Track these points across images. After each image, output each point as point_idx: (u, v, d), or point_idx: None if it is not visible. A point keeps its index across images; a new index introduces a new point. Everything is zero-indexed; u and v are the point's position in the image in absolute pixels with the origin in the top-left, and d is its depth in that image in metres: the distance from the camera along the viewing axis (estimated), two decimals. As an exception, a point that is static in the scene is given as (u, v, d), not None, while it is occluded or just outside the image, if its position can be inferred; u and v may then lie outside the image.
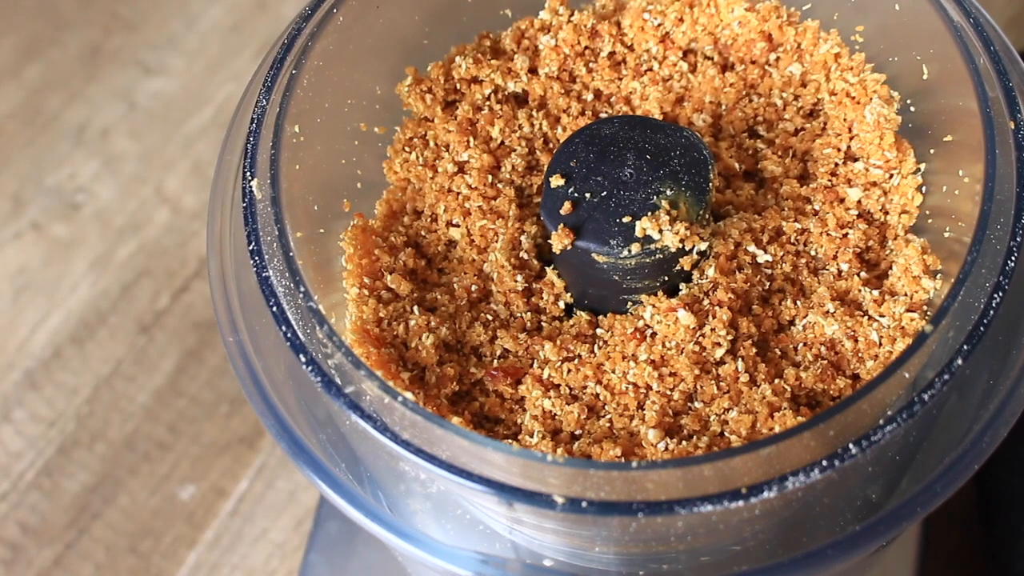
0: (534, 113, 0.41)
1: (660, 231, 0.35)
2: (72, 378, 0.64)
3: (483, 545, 0.40)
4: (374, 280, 0.38)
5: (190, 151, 0.72)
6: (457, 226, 0.40)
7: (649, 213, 0.36)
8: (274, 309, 0.35)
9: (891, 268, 0.37)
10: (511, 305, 0.38)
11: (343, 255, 0.39)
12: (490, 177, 0.40)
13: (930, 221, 0.38)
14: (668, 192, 0.36)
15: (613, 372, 0.36)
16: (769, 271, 0.38)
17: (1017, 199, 0.34)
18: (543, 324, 0.38)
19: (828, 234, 0.38)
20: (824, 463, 0.31)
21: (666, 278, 0.37)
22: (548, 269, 0.38)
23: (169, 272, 0.67)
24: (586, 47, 0.42)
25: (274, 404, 0.36)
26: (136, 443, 0.62)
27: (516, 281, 0.38)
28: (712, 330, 0.36)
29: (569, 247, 0.36)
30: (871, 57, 0.41)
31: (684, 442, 0.34)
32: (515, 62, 0.42)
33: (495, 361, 0.37)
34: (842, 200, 0.39)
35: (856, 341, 0.36)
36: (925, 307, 0.36)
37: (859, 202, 0.39)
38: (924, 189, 0.38)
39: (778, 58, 0.42)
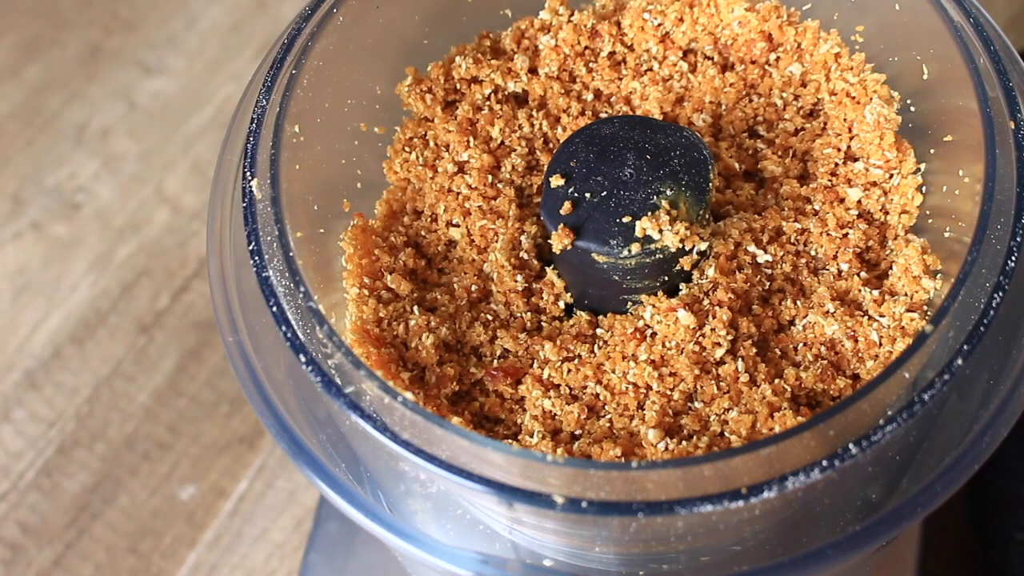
0: (534, 113, 0.41)
1: (660, 231, 0.35)
2: (72, 378, 0.64)
3: (483, 545, 0.40)
4: (374, 280, 0.38)
5: (190, 151, 0.72)
6: (457, 226, 0.40)
7: (649, 213, 0.36)
8: (274, 309, 0.35)
9: (891, 268, 0.37)
10: (511, 305, 0.38)
11: (343, 255, 0.39)
12: (490, 177, 0.40)
13: (930, 221, 0.38)
14: (668, 192, 0.36)
15: (613, 372, 0.36)
16: (769, 271, 0.38)
17: (1017, 199, 0.34)
18: (543, 324, 0.38)
19: (828, 234, 0.38)
20: (824, 463, 0.31)
21: (666, 278, 0.37)
22: (548, 269, 0.38)
23: (169, 272, 0.67)
24: (586, 47, 0.42)
25: (274, 404, 0.36)
26: (136, 443, 0.62)
27: (516, 281, 0.38)
28: (712, 330, 0.36)
29: (569, 247, 0.36)
30: (871, 57, 0.41)
31: (684, 442, 0.34)
32: (515, 62, 0.42)
33: (495, 361, 0.37)
34: (842, 200, 0.39)
35: (856, 341, 0.36)
36: (925, 307, 0.36)
37: (859, 202, 0.39)
38: (924, 189, 0.38)
39: (778, 58, 0.42)
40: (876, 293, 0.37)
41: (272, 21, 0.77)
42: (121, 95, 0.75)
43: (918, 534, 0.51)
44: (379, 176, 0.42)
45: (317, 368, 0.34)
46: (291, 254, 0.35)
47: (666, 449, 0.34)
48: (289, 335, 0.34)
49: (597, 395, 0.36)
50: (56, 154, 0.72)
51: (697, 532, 0.36)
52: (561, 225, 0.36)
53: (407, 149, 0.41)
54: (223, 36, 0.77)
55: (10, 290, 0.67)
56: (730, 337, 0.36)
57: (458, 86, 0.42)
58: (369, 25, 0.41)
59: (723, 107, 0.41)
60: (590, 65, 0.42)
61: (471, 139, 0.40)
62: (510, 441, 0.35)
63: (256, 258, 0.35)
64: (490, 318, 0.38)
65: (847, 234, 0.38)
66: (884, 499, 0.36)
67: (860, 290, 0.37)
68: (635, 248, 0.35)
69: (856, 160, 0.40)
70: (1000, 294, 0.33)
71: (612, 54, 0.42)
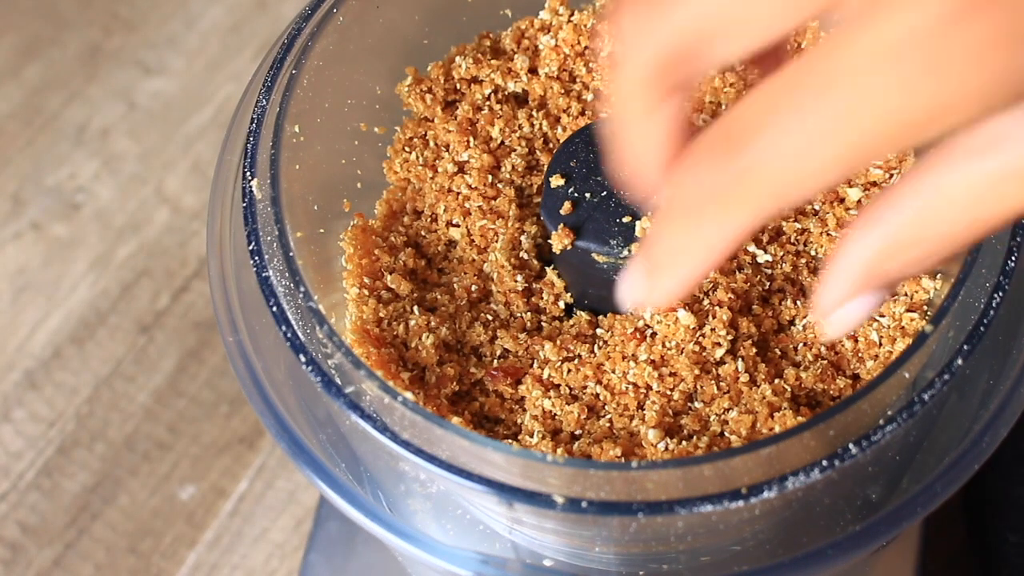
0: (534, 113, 0.41)
1: None
2: (72, 378, 0.64)
3: (483, 545, 0.40)
4: (374, 280, 0.38)
5: (190, 151, 0.72)
6: (457, 226, 0.40)
7: (649, 213, 0.36)
8: (274, 309, 0.35)
9: (891, 268, 0.37)
10: (511, 305, 0.38)
11: (343, 255, 0.39)
12: (490, 177, 0.40)
13: (930, 221, 0.38)
14: (668, 192, 0.36)
15: (613, 372, 0.36)
16: (769, 271, 0.38)
17: (1017, 199, 0.34)
18: (543, 324, 0.38)
19: (828, 234, 0.38)
20: (824, 463, 0.31)
21: (666, 278, 0.37)
22: (548, 269, 0.38)
23: (169, 272, 0.67)
24: (586, 47, 0.42)
25: (274, 404, 0.36)
26: (136, 443, 0.62)
27: (516, 281, 0.38)
28: (712, 330, 0.36)
29: (569, 247, 0.36)
30: (871, 57, 0.41)
31: (684, 442, 0.34)
32: (515, 62, 0.42)
33: (495, 361, 0.37)
34: (842, 200, 0.39)
35: (856, 341, 0.36)
36: (925, 307, 0.36)
37: (859, 202, 0.39)
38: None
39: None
40: (876, 293, 0.37)
41: (272, 21, 0.77)
42: (121, 95, 0.75)
43: (918, 534, 0.51)
44: (379, 176, 0.42)
45: (317, 368, 0.34)
46: (291, 254, 0.35)
47: (666, 449, 0.34)
48: (289, 335, 0.34)
49: (597, 395, 0.36)
50: (56, 154, 0.72)
51: (697, 532, 0.36)
52: (561, 225, 0.36)
53: (407, 149, 0.41)
54: (223, 36, 0.77)
55: (10, 290, 0.67)
56: (730, 337, 0.36)
57: (458, 86, 0.42)
58: (369, 25, 0.41)
59: (723, 107, 0.41)
60: (590, 65, 0.42)
61: (471, 139, 0.40)
62: (510, 441, 0.35)
63: (256, 258, 0.35)
64: (490, 318, 0.38)
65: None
66: (884, 499, 0.36)
67: (860, 290, 0.37)
68: (635, 248, 0.35)
69: (856, 160, 0.40)
70: (1000, 294, 0.33)
71: (612, 54, 0.42)
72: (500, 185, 0.40)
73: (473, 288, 0.39)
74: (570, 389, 0.36)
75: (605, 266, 0.36)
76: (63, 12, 0.78)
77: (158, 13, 0.78)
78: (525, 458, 0.31)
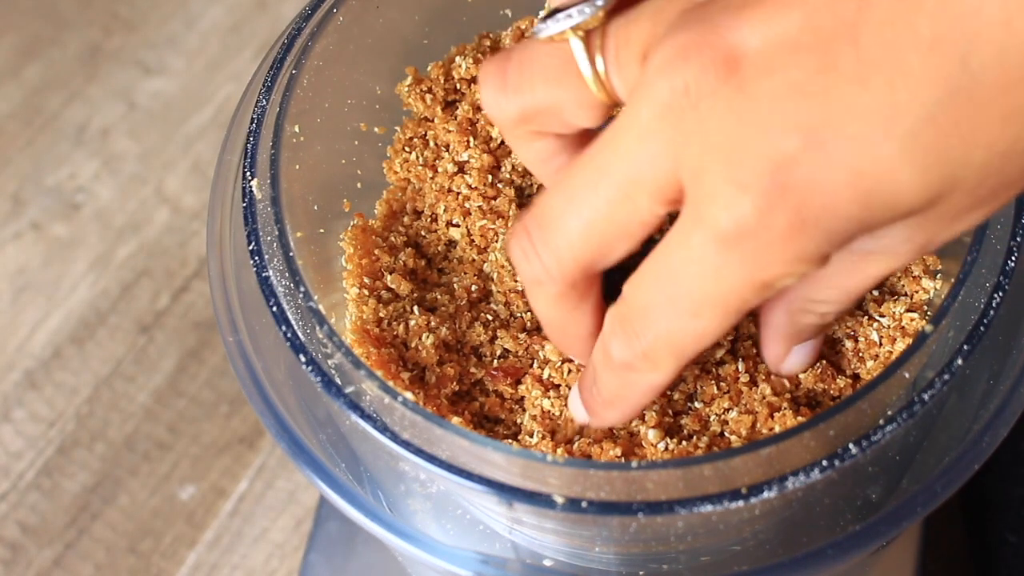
0: (534, 113, 0.41)
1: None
2: (72, 378, 0.64)
3: (483, 545, 0.39)
4: (374, 280, 0.38)
5: (190, 151, 0.72)
6: (457, 226, 0.40)
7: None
8: (274, 309, 0.35)
9: (891, 268, 0.37)
10: (511, 305, 0.38)
11: (343, 255, 0.39)
12: (490, 177, 0.40)
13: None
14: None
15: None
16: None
17: (1017, 199, 0.34)
18: (543, 324, 0.38)
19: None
20: (824, 463, 0.31)
21: (666, 278, 0.37)
22: (548, 269, 0.38)
23: (169, 272, 0.67)
24: (586, 47, 0.42)
25: (274, 404, 0.36)
26: (136, 443, 0.62)
27: (516, 281, 0.38)
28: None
29: (569, 247, 0.36)
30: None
31: (684, 442, 0.34)
32: (515, 62, 0.42)
33: (495, 361, 0.37)
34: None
35: (856, 341, 0.36)
36: (925, 307, 0.36)
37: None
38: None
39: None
40: (876, 293, 0.37)
41: (272, 21, 0.77)
42: (121, 95, 0.75)
43: (918, 534, 0.51)
44: (379, 176, 0.42)
45: (317, 368, 0.34)
46: (291, 254, 0.35)
47: (666, 449, 0.34)
48: (289, 335, 0.34)
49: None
50: (56, 154, 0.72)
51: (697, 532, 0.36)
52: (561, 225, 0.36)
53: (407, 149, 0.41)
54: (223, 36, 0.77)
55: (10, 290, 0.67)
56: (730, 337, 0.36)
57: (458, 86, 0.42)
58: (369, 25, 0.41)
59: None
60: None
61: (471, 139, 0.40)
62: (510, 441, 0.35)
63: (256, 258, 0.35)
64: (490, 318, 0.38)
65: (847, 234, 0.38)
66: (884, 499, 0.36)
67: (860, 290, 0.37)
68: (635, 248, 0.35)
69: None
70: (1000, 294, 0.33)
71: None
72: (500, 185, 0.40)
73: (473, 288, 0.39)
74: (570, 389, 0.36)
75: (605, 266, 0.36)
76: (63, 12, 0.78)
77: (158, 13, 0.78)
78: (525, 458, 0.31)
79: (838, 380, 0.35)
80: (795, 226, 0.25)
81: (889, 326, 0.36)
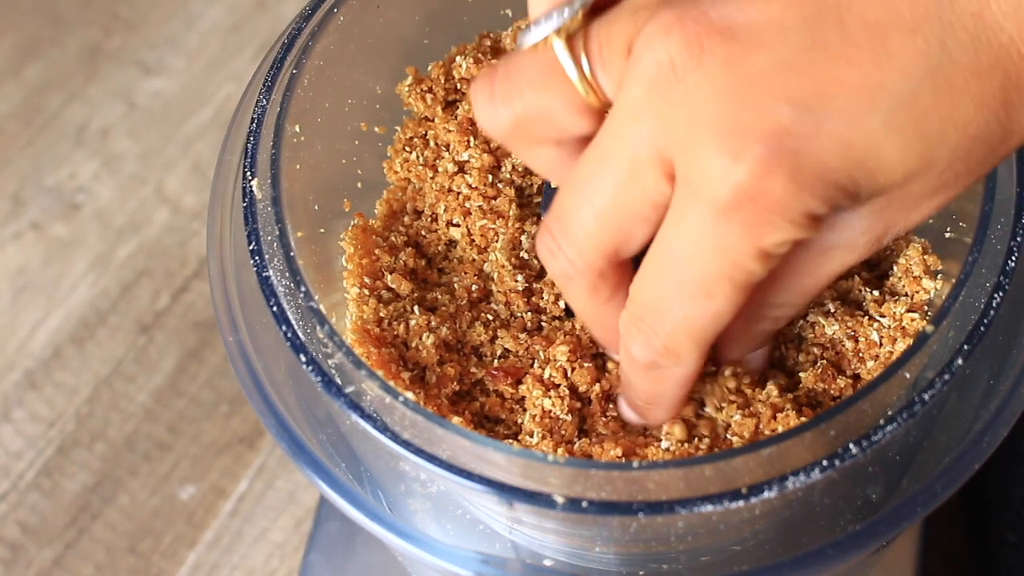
0: (534, 113, 0.41)
1: None
2: (72, 378, 0.64)
3: (483, 545, 0.39)
4: (374, 280, 0.38)
5: (190, 151, 0.72)
6: (457, 226, 0.40)
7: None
8: (274, 309, 0.35)
9: (891, 268, 0.37)
10: (511, 305, 0.38)
11: (343, 255, 0.39)
12: (490, 177, 0.40)
13: (930, 221, 0.38)
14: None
15: (613, 372, 0.36)
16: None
17: (1017, 199, 0.34)
18: (543, 324, 0.38)
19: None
20: (824, 463, 0.31)
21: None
22: (548, 269, 0.38)
23: (169, 272, 0.67)
24: (586, 47, 0.42)
25: (274, 404, 0.36)
26: (136, 443, 0.62)
27: (516, 281, 0.38)
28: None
29: (569, 247, 0.36)
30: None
31: (686, 443, 0.34)
32: (515, 62, 0.42)
33: (495, 361, 0.37)
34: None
35: (857, 341, 0.36)
36: (926, 307, 0.36)
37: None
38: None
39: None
40: (876, 293, 0.37)
41: (272, 21, 0.77)
42: (121, 95, 0.75)
43: (918, 534, 0.51)
44: (379, 176, 0.42)
45: (317, 368, 0.34)
46: (291, 254, 0.35)
47: (667, 449, 0.34)
48: (289, 335, 0.34)
49: (600, 395, 0.36)
50: (56, 154, 0.72)
51: (697, 532, 0.36)
52: (561, 225, 0.36)
53: (407, 149, 0.41)
54: (223, 36, 0.77)
55: (10, 290, 0.67)
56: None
57: (458, 86, 0.42)
58: (369, 25, 0.41)
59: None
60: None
61: (471, 139, 0.40)
62: (510, 441, 0.35)
63: (256, 258, 0.35)
64: (490, 318, 0.38)
65: (847, 234, 0.38)
66: (884, 499, 0.36)
67: (860, 290, 0.37)
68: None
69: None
70: (1000, 294, 0.33)
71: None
72: (500, 185, 0.40)
73: (473, 288, 0.39)
74: (571, 389, 0.36)
75: (605, 266, 0.36)
76: (63, 12, 0.78)
77: (158, 13, 0.78)
78: (525, 458, 0.31)
79: (838, 380, 0.35)
80: (790, 190, 0.25)
81: (889, 326, 0.36)
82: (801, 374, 0.36)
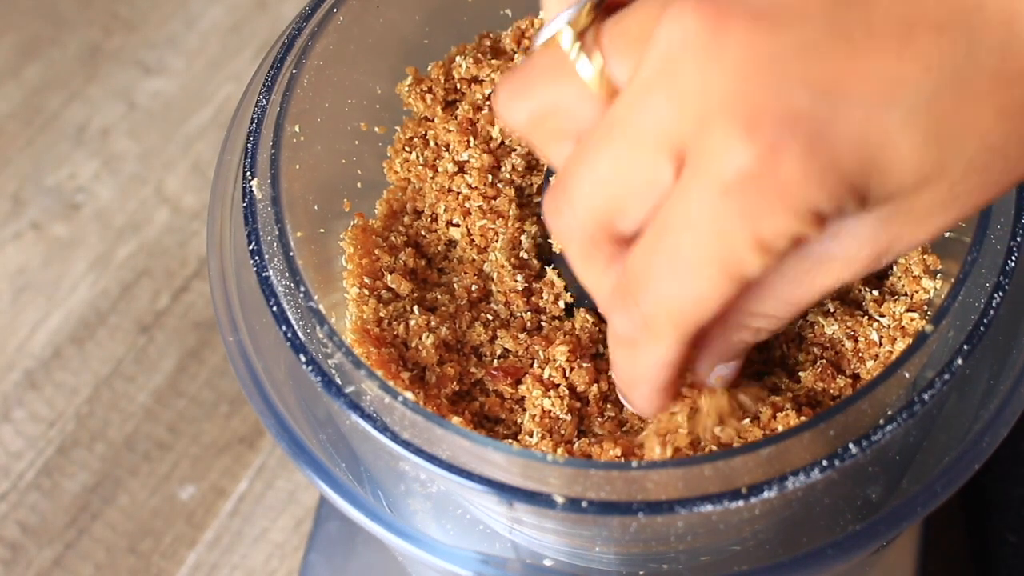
0: (534, 113, 0.41)
1: None
2: (72, 378, 0.64)
3: (483, 545, 0.40)
4: (374, 280, 0.38)
5: (190, 151, 0.72)
6: (457, 226, 0.40)
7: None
8: (274, 309, 0.35)
9: (891, 268, 0.37)
10: (511, 305, 0.38)
11: (343, 255, 0.39)
12: (490, 177, 0.40)
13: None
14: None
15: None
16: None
17: (1017, 199, 0.34)
18: (543, 324, 0.38)
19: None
20: (824, 463, 0.31)
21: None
22: (548, 269, 0.38)
23: (169, 272, 0.67)
24: (586, 47, 0.42)
25: (274, 404, 0.36)
26: (136, 443, 0.62)
27: (516, 281, 0.38)
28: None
29: (569, 247, 0.36)
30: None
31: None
32: (515, 62, 0.42)
33: (495, 361, 0.37)
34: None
35: (856, 341, 0.36)
36: (925, 307, 0.36)
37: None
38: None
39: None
40: (876, 293, 0.37)
41: (272, 21, 0.77)
42: (121, 95, 0.75)
43: (918, 534, 0.51)
44: (379, 176, 0.42)
45: (317, 368, 0.34)
46: (291, 254, 0.35)
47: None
48: (289, 335, 0.34)
49: (598, 395, 0.36)
50: (56, 154, 0.72)
51: (697, 532, 0.36)
52: (561, 225, 0.36)
53: (407, 149, 0.41)
54: (223, 36, 0.77)
55: (10, 290, 0.67)
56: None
57: (458, 86, 0.42)
58: (369, 25, 0.41)
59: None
60: (590, 65, 0.42)
61: (471, 139, 0.40)
62: (510, 441, 0.35)
63: (256, 258, 0.35)
64: (490, 318, 0.38)
65: (847, 234, 0.38)
66: (884, 499, 0.36)
67: (860, 290, 0.37)
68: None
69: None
70: (1000, 294, 0.33)
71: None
72: (500, 185, 0.40)
73: (473, 288, 0.39)
74: (571, 389, 0.36)
75: (605, 266, 0.36)
76: (63, 12, 0.78)
77: (158, 13, 0.78)
78: (525, 458, 0.31)
79: (838, 380, 0.35)
80: (798, 178, 0.25)
81: (889, 326, 0.36)
82: (801, 374, 0.36)
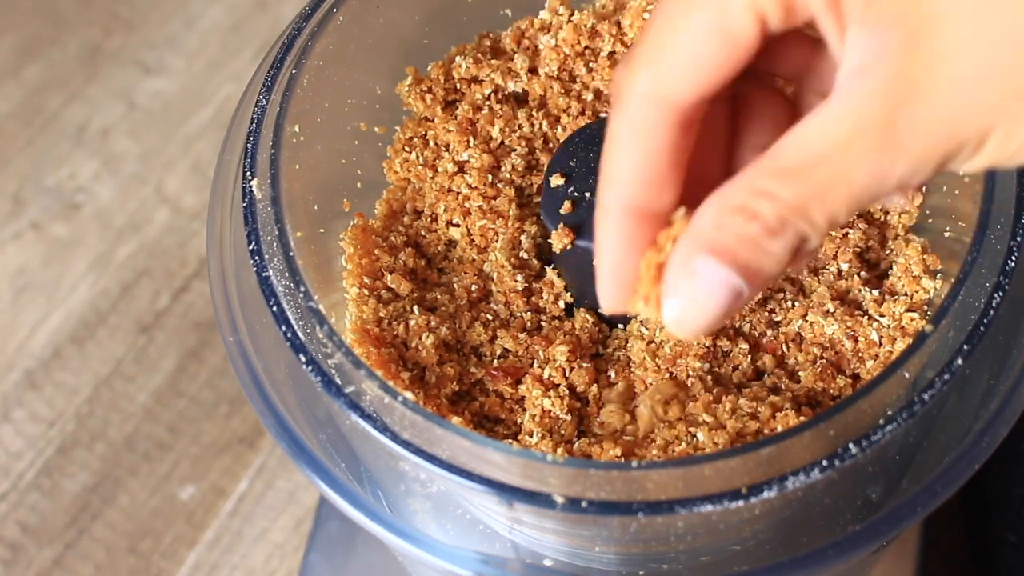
0: (534, 113, 0.41)
1: None
2: (72, 378, 0.64)
3: (483, 545, 0.39)
4: (374, 280, 0.38)
5: (190, 151, 0.72)
6: (457, 226, 0.40)
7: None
8: (274, 309, 0.35)
9: (891, 268, 0.37)
10: (511, 305, 0.38)
11: (343, 255, 0.39)
12: (490, 177, 0.40)
13: (930, 221, 0.38)
14: (668, 192, 0.36)
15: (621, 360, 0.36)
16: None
17: (1017, 199, 0.34)
18: (543, 324, 0.38)
19: (828, 234, 0.38)
20: (824, 463, 0.31)
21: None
22: (548, 269, 0.38)
23: (169, 272, 0.67)
24: (586, 47, 0.42)
25: (274, 404, 0.36)
26: (136, 443, 0.62)
27: (516, 281, 0.38)
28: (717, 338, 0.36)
29: (569, 246, 0.36)
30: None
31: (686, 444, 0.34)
32: (515, 62, 0.42)
33: (495, 361, 0.37)
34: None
35: (856, 341, 0.36)
36: (925, 307, 0.36)
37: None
38: (924, 189, 0.38)
39: (778, 58, 0.42)
40: (876, 293, 0.37)
41: (272, 21, 0.77)
42: (121, 95, 0.75)
43: (918, 534, 0.51)
44: (379, 176, 0.42)
45: (317, 368, 0.34)
46: (291, 254, 0.35)
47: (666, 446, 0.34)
48: (289, 335, 0.34)
49: (598, 396, 0.36)
50: (56, 154, 0.72)
51: (697, 532, 0.36)
52: (561, 224, 0.36)
53: (407, 149, 0.41)
54: (223, 36, 0.77)
55: (10, 290, 0.67)
56: (741, 345, 0.36)
57: (458, 86, 0.42)
58: (369, 25, 0.41)
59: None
60: (590, 65, 0.42)
61: (471, 139, 0.40)
62: (510, 441, 0.35)
63: (256, 258, 0.35)
64: (490, 318, 0.38)
65: (847, 234, 0.38)
66: (884, 499, 0.36)
67: (860, 290, 0.37)
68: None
69: (856, 160, 0.40)
70: (1000, 294, 0.33)
71: (612, 54, 0.42)
72: (500, 185, 0.40)
73: (473, 288, 0.39)
74: (570, 389, 0.36)
75: (605, 266, 0.36)
76: (63, 12, 0.78)
77: (158, 13, 0.78)
78: (525, 458, 0.31)
79: (838, 380, 0.35)
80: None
81: (889, 326, 0.36)
82: (801, 373, 0.36)
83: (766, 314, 0.37)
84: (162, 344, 0.65)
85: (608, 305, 0.29)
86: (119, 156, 0.72)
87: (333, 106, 0.40)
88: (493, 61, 0.41)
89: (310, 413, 0.37)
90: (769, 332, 0.37)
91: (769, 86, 0.31)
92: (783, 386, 0.36)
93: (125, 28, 0.78)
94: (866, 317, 0.36)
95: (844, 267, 0.38)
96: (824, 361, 0.36)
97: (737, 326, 0.37)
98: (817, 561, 0.33)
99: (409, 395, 0.33)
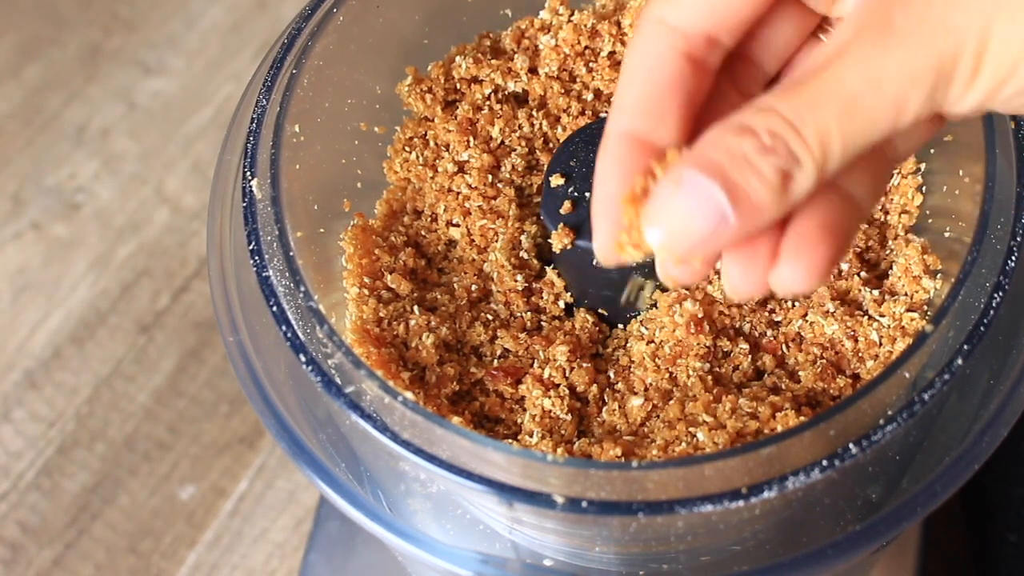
0: (534, 113, 0.41)
1: None
2: (72, 378, 0.64)
3: (483, 545, 0.39)
4: (374, 280, 0.38)
5: (190, 151, 0.72)
6: (457, 226, 0.40)
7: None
8: (274, 309, 0.35)
9: (891, 268, 0.37)
10: (511, 305, 0.38)
11: (343, 255, 0.39)
12: (490, 177, 0.40)
13: (930, 221, 0.38)
14: (668, 192, 0.36)
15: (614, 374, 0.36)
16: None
17: (1017, 199, 0.34)
18: (543, 324, 0.38)
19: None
20: (824, 463, 0.31)
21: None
22: (548, 269, 0.38)
23: (169, 272, 0.67)
24: (586, 47, 0.42)
25: (274, 404, 0.36)
26: (136, 443, 0.62)
27: (516, 281, 0.38)
28: (716, 338, 0.36)
29: (569, 246, 0.36)
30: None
31: (685, 443, 0.34)
32: (515, 62, 0.42)
33: (495, 361, 0.37)
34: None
35: (856, 341, 0.36)
36: (925, 307, 0.36)
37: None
38: (924, 189, 0.38)
39: (778, 58, 0.42)
40: (876, 293, 0.37)
41: (272, 21, 0.77)
42: (121, 95, 0.75)
43: (918, 534, 0.51)
44: (379, 176, 0.42)
45: (317, 368, 0.34)
46: (291, 254, 0.35)
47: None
48: (289, 335, 0.34)
49: (598, 395, 0.36)
50: (56, 154, 0.72)
51: (697, 532, 0.36)
52: (561, 224, 0.36)
53: (407, 149, 0.41)
54: (223, 36, 0.77)
55: (10, 290, 0.67)
56: (730, 337, 0.36)
57: (458, 86, 0.42)
58: (369, 25, 0.41)
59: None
60: (590, 65, 0.42)
61: (471, 139, 0.40)
62: (510, 441, 0.35)
63: (256, 258, 0.35)
64: (490, 318, 0.38)
65: (847, 234, 0.38)
66: (884, 499, 0.36)
67: (860, 290, 0.37)
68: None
69: (856, 160, 0.40)
70: (1000, 294, 0.33)
71: (612, 54, 0.42)
72: (500, 185, 0.40)
73: (473, 288, 0.39)
74: (570, 389, 0.36)
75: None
76: (63, 12, 0.78)
77: (158, 13, 0.78)
78: (525, 458, 0.31)
79: (838, 380, 0.35)
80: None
81: (889, 326, 0.36)
82: (801, 373, 0.36)
83: (766, 314, 0.37)
84: (162, 344, 0.65)
85: (600, 244, 0.28)
86: (119, 156, 0.72)
87: (333, 106, 0.40)
88: (493, 61, 0.41)
89: (310, 413, 0.37)
90: (769, 332, 0.37)
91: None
92: (783, 386, 0.36)
93: (125, 28, 0.78)
94: (866, 317, 0.36)
95: (844, 267, 0.38)
96: (824, 361, 0.36)
97: (737, 326, 0.37)
98: (817, 561, 0.33)
99: (409, 395, 0.33)
